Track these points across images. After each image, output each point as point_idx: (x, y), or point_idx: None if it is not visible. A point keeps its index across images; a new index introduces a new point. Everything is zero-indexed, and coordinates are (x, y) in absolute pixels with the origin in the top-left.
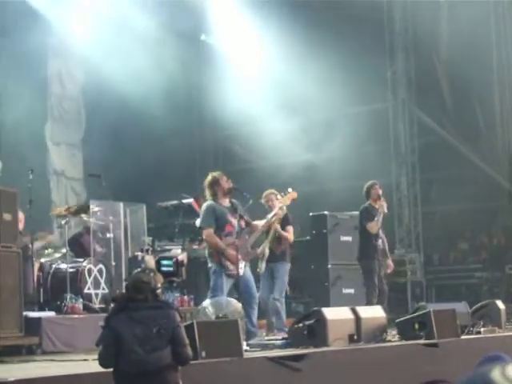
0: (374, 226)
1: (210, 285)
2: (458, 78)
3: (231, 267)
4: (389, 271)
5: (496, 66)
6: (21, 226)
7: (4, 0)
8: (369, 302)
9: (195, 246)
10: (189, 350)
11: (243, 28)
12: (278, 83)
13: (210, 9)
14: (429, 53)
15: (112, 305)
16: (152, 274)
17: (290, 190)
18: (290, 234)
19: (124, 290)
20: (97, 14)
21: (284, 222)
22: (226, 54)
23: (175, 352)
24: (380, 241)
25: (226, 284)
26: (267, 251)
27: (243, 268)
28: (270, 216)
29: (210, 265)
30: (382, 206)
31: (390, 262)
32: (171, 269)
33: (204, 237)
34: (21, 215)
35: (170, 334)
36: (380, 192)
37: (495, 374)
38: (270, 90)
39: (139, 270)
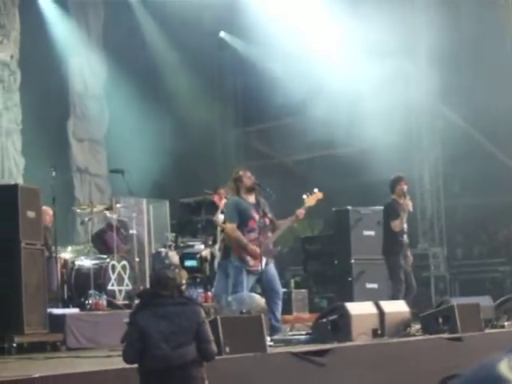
0: (398, 225)
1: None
2: (480, 71)
3: (252, 263)
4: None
5: None
6: (49, 221)
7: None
8: (395, 298)
9: (210, 242)
10: (214, 346)
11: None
12: (299, 77)
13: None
14: (452, 46)
15: (136, 301)
16: (177, 270)
17: (315, 190)
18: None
19: (148, 286)
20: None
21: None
22: (248, 50)
23: (200, 348)
24: (405, 236)
25: (248, 280)
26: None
27: (268, 264)
28: (294, 215)
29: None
30: (408, 205)
31: (409, 254)
32: (195, 265)
33: (226, 231)
34: (49, 211)
35: (195, 330)
36: (405, 188)
37: (502, 366)
38: (291, 85)
39: (164, 265)
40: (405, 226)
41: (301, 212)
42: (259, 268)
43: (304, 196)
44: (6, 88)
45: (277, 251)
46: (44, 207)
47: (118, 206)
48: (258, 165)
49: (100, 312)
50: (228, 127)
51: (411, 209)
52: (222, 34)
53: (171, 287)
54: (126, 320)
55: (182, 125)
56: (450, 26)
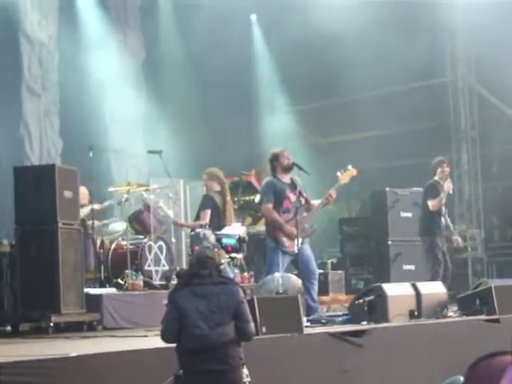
0: (436, 204)
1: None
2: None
3: (287, 243)
4: (455, 244)
5: None
6: (85, 200)
7: None
8: (433, 278)
9: (247, 223)
10: (252, 326)
11: None
12: (326, 61)
13: None
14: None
15: (174, 281)
16: (216, 250)
17: (349, 167)
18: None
19: (185, 267)
20: None
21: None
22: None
23: (238, 328)
24: (444, 218)
25: (283, 260)
26: None
27: (303, 244)
28: (326, 196)
29: (267, 241)
30: (448, 187)
31: (457, 237)
32: (233, 245)
33: (262, 212)
34: (84, 190)
35: (233, 310)
36: (447, 171)
37: None
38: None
39: (203, 245)
40: (443, 208)
41: (332, 193)
42: (294, 249)
43: (338, 173)
44: (44, 68)
45: (312, 231)
46: None
47: (155, 186)
48: (294, 145)
49: (136, 292)
50: (264, 109)
51: (451, 191)
52: (253, 17)
53: (210, 267)
54: (165, 302)
55: (219, 105)
56: None
